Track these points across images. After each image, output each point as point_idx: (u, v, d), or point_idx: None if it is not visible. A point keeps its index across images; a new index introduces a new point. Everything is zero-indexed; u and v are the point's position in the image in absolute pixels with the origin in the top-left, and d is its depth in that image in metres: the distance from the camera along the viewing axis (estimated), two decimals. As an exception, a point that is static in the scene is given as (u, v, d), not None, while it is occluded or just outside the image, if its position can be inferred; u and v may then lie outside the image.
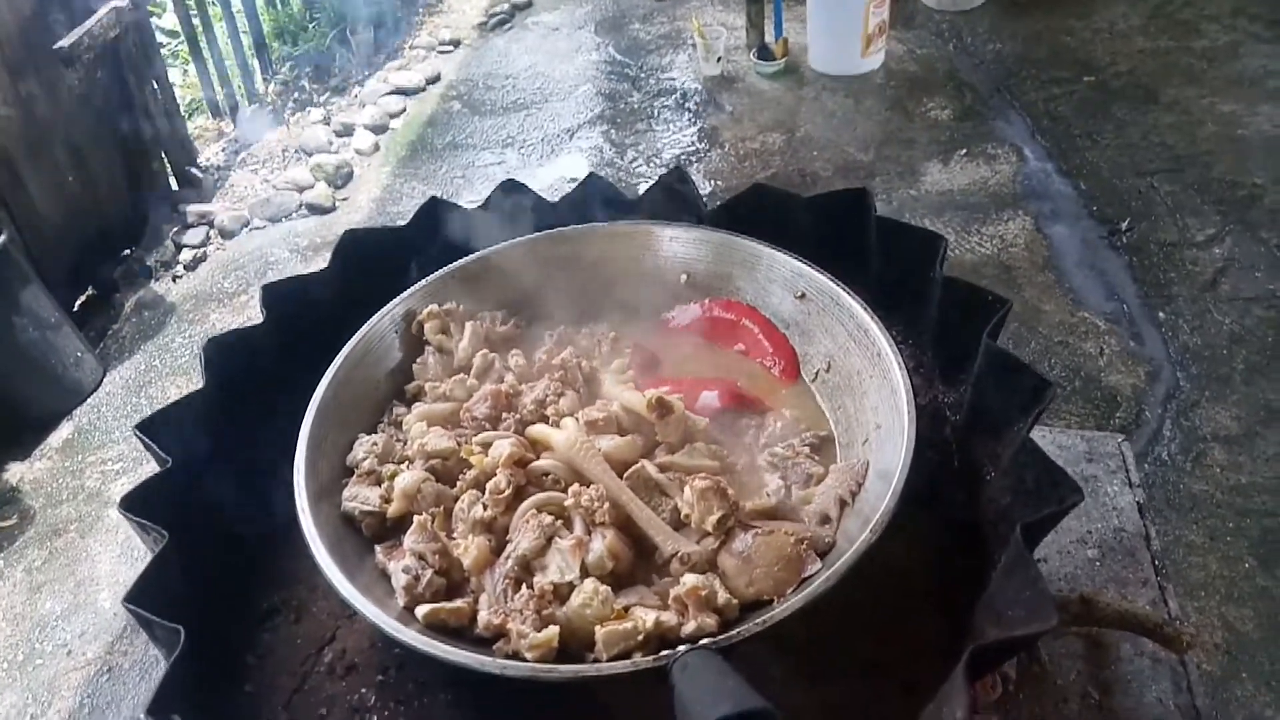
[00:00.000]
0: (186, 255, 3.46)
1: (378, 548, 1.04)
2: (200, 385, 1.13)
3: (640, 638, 0.88)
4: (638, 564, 1.01)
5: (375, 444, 1.12)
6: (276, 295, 1.25)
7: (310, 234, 3.53)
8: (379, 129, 4.10)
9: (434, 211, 1.39)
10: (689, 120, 3.91)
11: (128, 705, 1.20)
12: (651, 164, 3.67)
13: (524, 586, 0.95)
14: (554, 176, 3.64)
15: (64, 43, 3.00)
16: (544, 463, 1.06)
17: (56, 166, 3.07)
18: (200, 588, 0.95)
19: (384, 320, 1.23)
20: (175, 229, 3.55)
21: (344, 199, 3.73)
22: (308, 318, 1.25)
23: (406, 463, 1.10)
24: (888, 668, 0.96)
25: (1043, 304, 2.84)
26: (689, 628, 0.89)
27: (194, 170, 3.77)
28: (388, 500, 1.05)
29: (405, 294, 1.26)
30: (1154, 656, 1.14)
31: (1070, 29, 4.15)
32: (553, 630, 0.89)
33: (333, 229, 3.52)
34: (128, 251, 3.44)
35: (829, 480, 1.07)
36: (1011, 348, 2.59)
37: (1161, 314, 2.78)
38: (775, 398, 1.25)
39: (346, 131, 4.05)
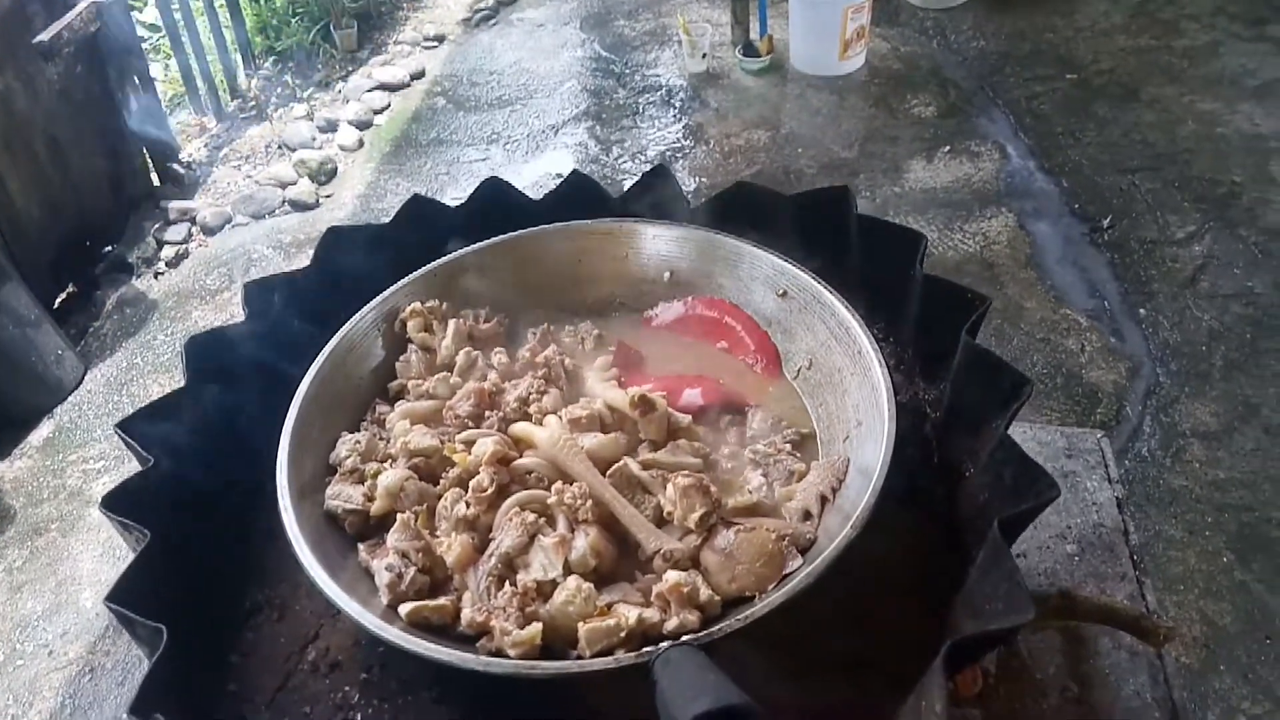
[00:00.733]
0: (168, 252, 3.44)
1: (361, 546, 1.04)
2: (182, 383, 1.12)
3: (623, 634, 0.89)
4: (620, 561, 1.01)
5: (358, 442, 1.12)
6: (259, 293, 1.24)
7: (294, 230, 3.52)
8: (363, 125, 4.08)
9: (417, 209, 1.39)
10: (674, 117, 3.91)
11: (110, 705, 1.19)
12: (636, 160, 3.67)
13: (507, 584, 0.95)
14: (539, 173, 3.64)
15: (43, 36, 2.97)
16: (527, 461, 1.06)
17: (36, 162, 3.05)
18: (183, 587, 0.95)
19: (366, 318, 1.23)
20: (157, 225, 3.52)
21: (328, 195, 3.71)
22: (290, 315, 1.25)
23: (389, 461, 1.10)
24: (868, 662, 0.97)
25: (1025, 301, 2.86)
26: (671, 624, 0.90)
27: (176, 166, 3.74)
28: (371, 498, 1.05)
29: (388, 292, 1.26)
30: (1132, 650, 1.15)
31: (1053, 27, 4.18)
32: (536, 628, 0.90)
33: (316, 225, 3.51)
34: (109, 248, 3.41)
35: (810, 477, 1.08)
36: (994, 344, 2.63)
37: (1142, 311, 2.80)
38: (757, 395, 1.25)
39: (330, 127, 4.04)
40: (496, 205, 1.42)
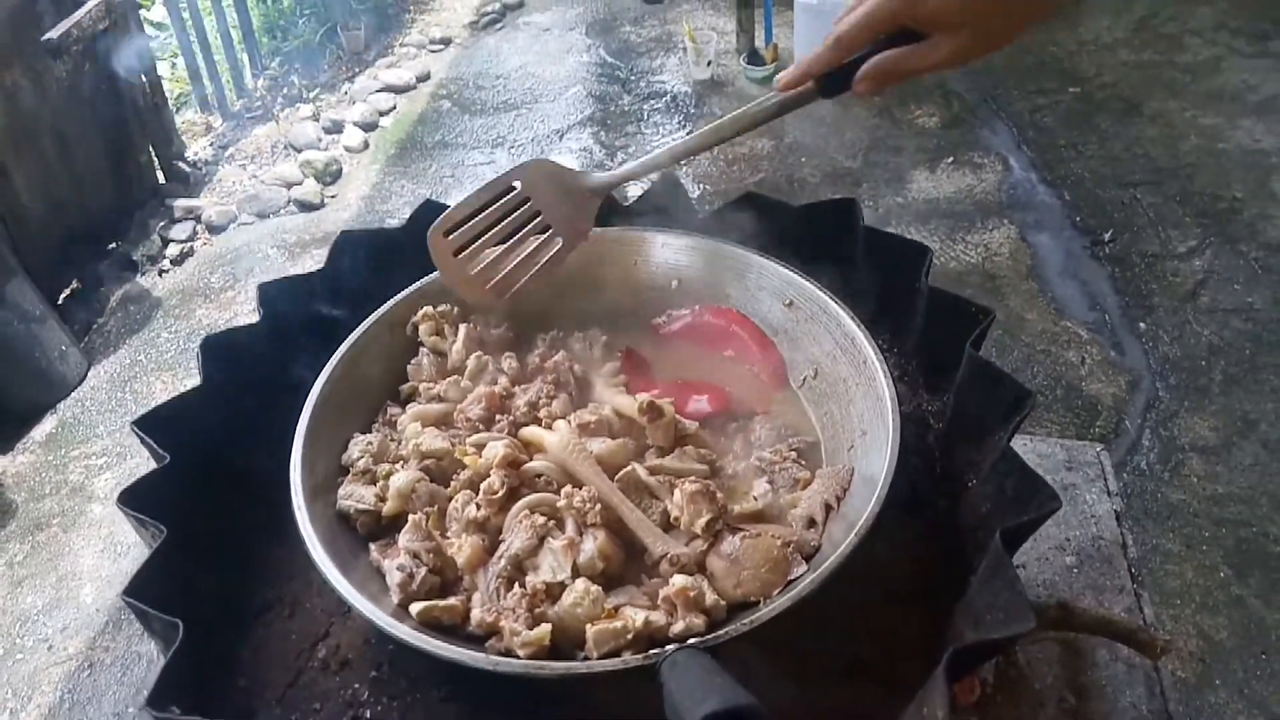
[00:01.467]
0: (173, 250, 3.45)
1: (372, 546, 1.05)
2: (197, 382, 1.13)
3: (629, 636, 0.90)
4: (627, 565, 1.02)
5: (370, 443, 1.13)
6: (273, 294, 1.26)
7: (298, 230, 3.53)
8: (369, 126, 4.10)
9: (428, 213, 1.40)
10: (679, 123, 3.93)
11: (109, 701, 1.20)
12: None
13: (516, 585, 0.96)
14: (543, 177, 3.65)
15: (52, 34, 2.99)
16: (536, 464, 1.08)
17: (43, 158, 3.06)
18: (196, 583, 0.97)
19: (379, 321, 1.24)
20: (162, 223, 3.54)
21: (333, 196, 3.73)
22: (303, 316, 1.26)
23: (401, 462, 1.11)
24: (870, 668, 0.99)
25: (1026, 313, 2.88)
26: (677, 627, 0.91)
27: (181, 164, 3.76)
28: (383, 499, 1.06)
29: (399, 295, 1.28)
30: (1129, 662, 1.16)
31: (1057, 40, 4.20)
32: (545, 628, 0.91)
33: (321, 226, 3.52)
34: (114, 245, 3.43)
35: (815, 485, 1.09)
36: (995, 356, 2.65)
37: (1142, 324, 2.82)
38: (763, 403, 1.26)
39: (336, 128, 4.05)
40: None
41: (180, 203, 3.60)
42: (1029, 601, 0.82)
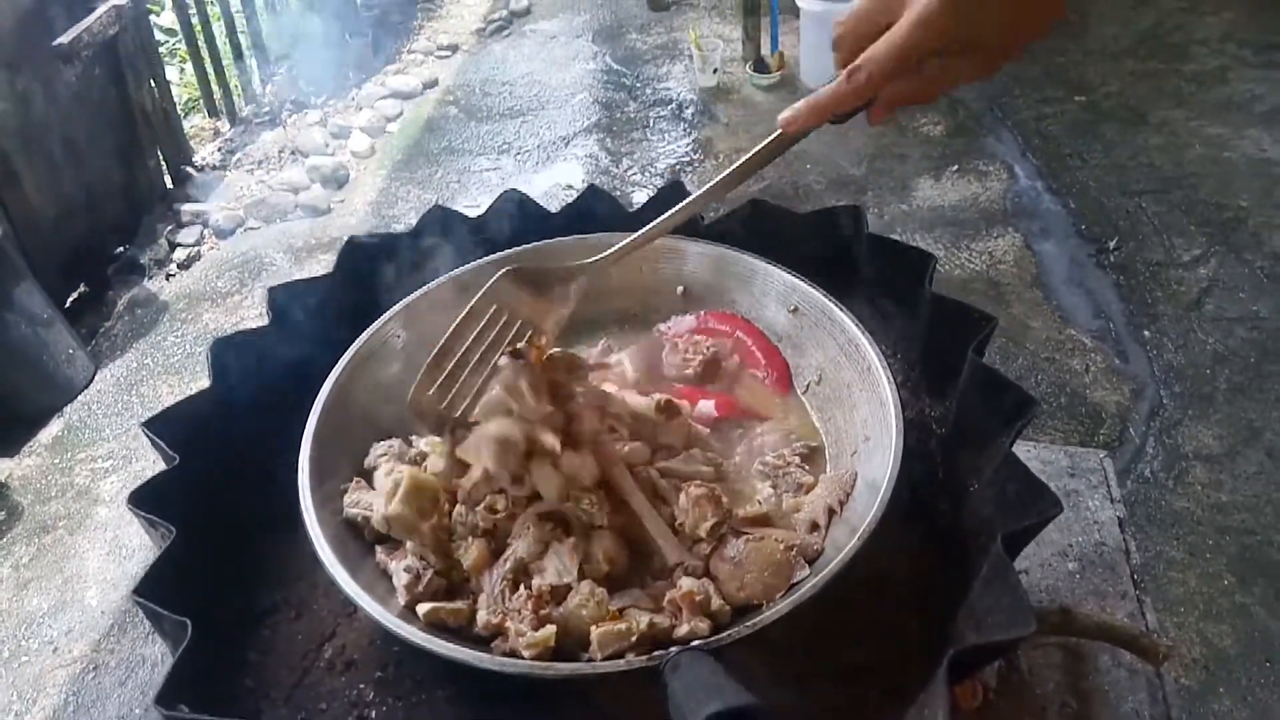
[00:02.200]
0: (180, 254, 3.47)
1: (379, 548, 1.06)
2: (207, 385, 1.14)
3: (634, 639, 0.91)
4: (632, 567, 1.03)
5: (390, 446, 1.15)
6: (282, 297, 1.27)
7: (305, 235, 3.55)
8: (375, 132, 4.12)
9: (436, 219, 1.41)
10: (684, 130, 3.95)
11: (113, 703, 1.21)
12: (646, 173, 3.70)
13: (522, 587, 0.97)
14: (549, 183, 3.67)
15: (63, 39, 3.01)
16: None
17: (52, 163, 3.08)
18: (204, 584, 0.97)
19: (386, 324, 1.25)
20: (170, 228, 3.56)
21: (339, 201, 3.74)
22: (312, 320, 1.27)
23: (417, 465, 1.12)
24: (872, 672, 0.99)
25: (1030, 320, 2.88)
26: (682, 630, 0.92)
27: (190, 170, 3.78)
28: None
29: (408, 299, 1.29)
30: (1131, 668, 1.16)
31: (1063, 49, 4.21)
32: (550, 630, 0.92)
33: (328, 231, 3.54)
34: (121, 249, 3.45)
35: (818, 490, 1.10)
36: (999, 363, 2.65)
37: (1147, 333, 2.82)
38: (767, 408, 1.27)
39: (343, 134, 4.08)
40: (513, 216, 1.44)
41: (188, 207, 3.62)
42: (1030, 605, 0.82)
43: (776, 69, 4.13)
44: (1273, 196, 3.27)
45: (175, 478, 1.02)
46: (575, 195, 1.48)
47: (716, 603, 0.95)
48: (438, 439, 1.14)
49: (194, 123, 4.13)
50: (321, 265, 3.21)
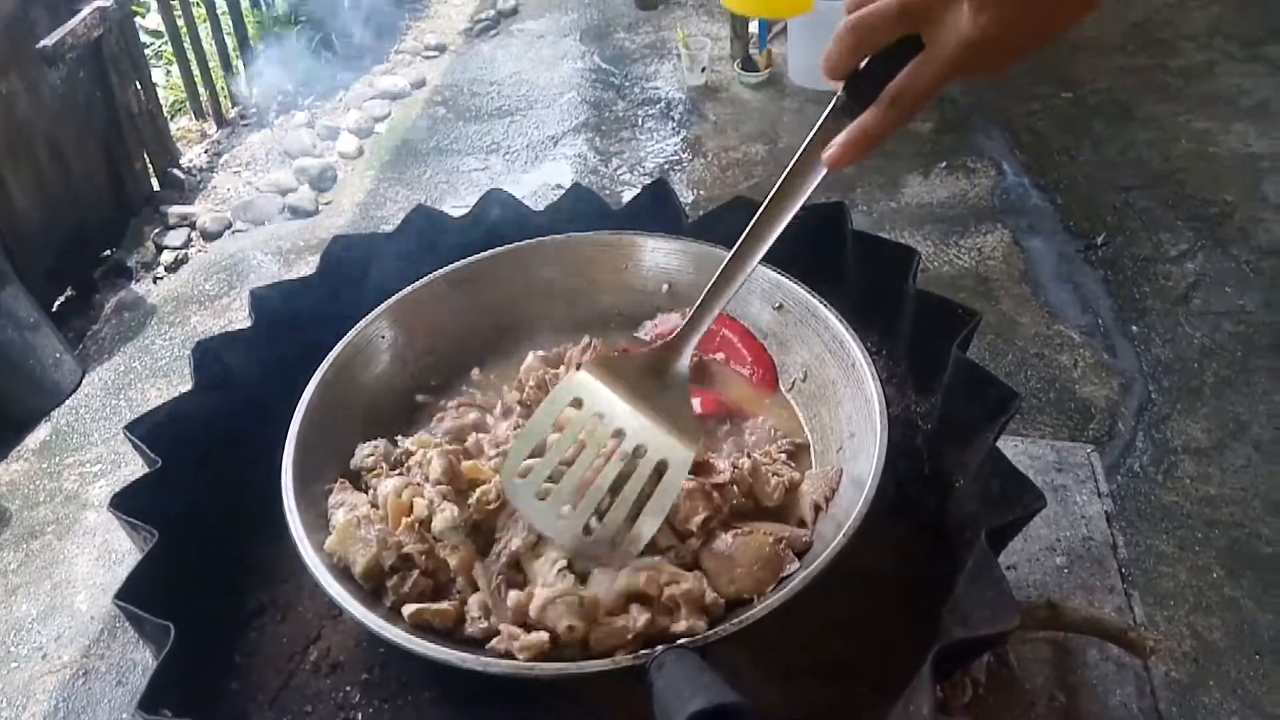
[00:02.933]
0: (167, 257, 3.46)
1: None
2: (189, 387, 1.14)
3: (630, 636, 0.91)
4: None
5: (376, 446, 1.14)
6: (265, 299, 1.26)
7: (293, 237, 3.54)
8: (363, 133, 4.11)
9: (420, 218, 1.41)
10: (672, 129, 3.94)
11: (104, 709, 1.20)
12: (635, 172, 3.70)
13: (511, 591, 0.96)
14: (538, 183, 3.67)
15: (47, 41, 3.00)
16: None
17: (37, 166, 3.07)
18: (188, 587, 0.97)
19: (370, 325, 1.25)
20: (156, 230, 3.55)
21: (327, 202, 3.73)
22: (296, 321, 1.26)
23: (400, 468, 1.12)
24: (858, 668, 0.99)
25: (1019, 316, 2.89)
26: (679, 626, 0.92)
27: (176, 171, 3.77)
28: (375, 505, 1.06)
29: (392, 299, 1.28)
30: (1119, 662, 1.17)
31: (1051, 45, 4.21)
32: (542, 636, 0.91)
33: (316, 232, 3.53)
34: (108, 252, 3.43)
35: (804, 486, 1.10)
36: (988, 359, 2.66)
37: (1135, 327, 2.83)
38: (753, 406, 1.27)
39: (330, 135, 4.06)
40: (499, 216, 1.44)
41: (175, 210, 3.60)
42: (1014, 599, 0.83)
43: (765, 67, 4.13)
44: (1259, 191, 3.29)
45: (158, 481, 1.02)
46: (560, 196, 1.48)
47: (711, 597, 0.95)
48: (426, 437, 1.14)
49: (180, 125, 4.11)
50: (310, 267, 3.18)
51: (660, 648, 0.87)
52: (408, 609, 0.96)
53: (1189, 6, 4.39)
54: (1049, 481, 1.40)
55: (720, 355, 1.32)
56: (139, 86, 3.52)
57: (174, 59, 3.99)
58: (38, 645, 2.23)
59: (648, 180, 3.53)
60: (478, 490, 1.04)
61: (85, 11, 3.14)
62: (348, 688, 1.00)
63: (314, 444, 1.11)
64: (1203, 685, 1.98)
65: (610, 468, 0.97)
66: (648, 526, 0.96)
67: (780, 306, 1.28)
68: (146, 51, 3.70)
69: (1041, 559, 1.31)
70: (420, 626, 0.95)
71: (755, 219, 0.99)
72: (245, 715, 0.97)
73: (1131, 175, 3.43)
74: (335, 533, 1.00)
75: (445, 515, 0.99)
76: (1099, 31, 4.29)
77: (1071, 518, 1.36)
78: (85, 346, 3.13)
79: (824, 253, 1.34)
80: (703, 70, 4.16)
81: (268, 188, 3.75)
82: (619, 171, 3.71)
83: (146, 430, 1.06)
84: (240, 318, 3.12)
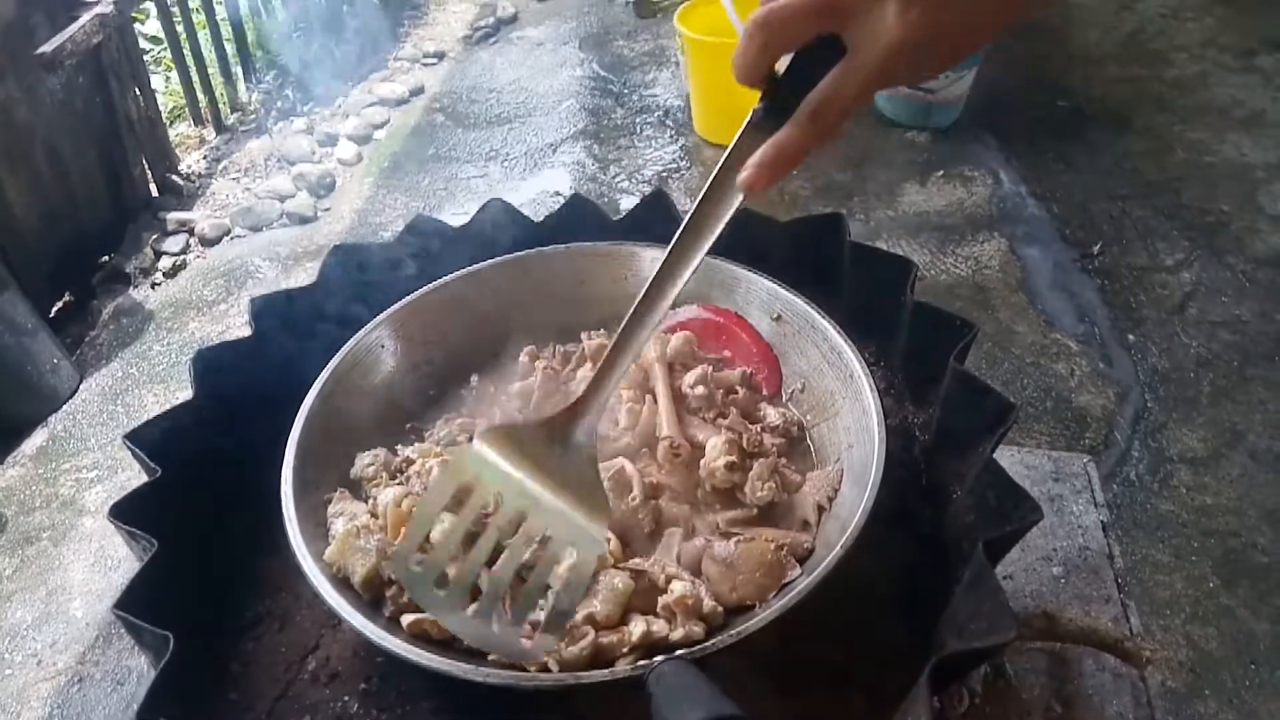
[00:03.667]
0: (166, 263, 3.45)
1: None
2: (189, 396, 1.14)
3: (626, 649, 0.91)
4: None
5: (376, 455, 1.15)
6: (264, 307, 1.26)
7: (292, 243, 3.54)
8: (362, 139, 4.11)
9: (420, 227, 1.41)
10: (671, 137, 3.95)
11: (98, 716, 1.20)
12: (633, 179, 3.71)
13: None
14: (536, 190, 3.67)
15: (46, 48, 3.00)
16: None
17: (36, 172, 3.07)
18: (187, 596, 0.97)
19: (370, 334, 1.25)
20: (155, 236, 3.54)
21: (326, 209, 3.73)
22: (296, 330, 1.27)
23: (400, 475, 1.12)
24: (855, 680, 0.99)
25: (1016, 325, 2.90)
26: (677, 634, 0.92)
27: (175, 178, 3.77)
28: (374, 515, 1.07)
29: (391, 309, 1.29)
30: (1115, 672, 1.17)
31: (1046, 55, 4.24)
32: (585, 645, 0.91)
33: (314, 239, 3.53)
34: (106, 258, 3.43)
35: (806, 488, 1.11)
36: (985, 368, 2.66)
37: (1131, 337, 2.84)
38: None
39: (329, 141, 4.07)
40: (498, 225, 1.44)
41: (173, 216, 3.60)
42: (1011, 611, 0.83)
43: (762, 75, 4.14)
44: (1254, 200, 3.30)
45: (157, 489, 1.02)
46: (562, 203, 1.49)
47: (709, 605, 0.95)
48: (427, 446, 1.14)
49: (179, 131, 4.11)
50: (308, 273, 3.20)
51: (659, 658, 0.87)
52: (406, 618, 0.96)
53: (1182, 17, 4.41)
54: (1045, 491, 1.41)
55: (727, 353, 1.32)
56: (138, 93, 3.52)
57: (173, 65, 3.98)
58: (32, 652, 2.22)
59: (646, 188, 3.55)
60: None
61: (85, 18, 3.14)
62: (346, 697, 1.00)
63: (314, 453, 1.11)
64: (1199, 695, 1.99)
65: (512, 554, 0.88)
66: (556, 626, 0.87)
67: (779, 317, 1.29)
68: (146, 58, 3.70)
69: (1038, 569, 1.32)
70: (419, 636, 0.95)
71: (666, 256, 0.89)
72: (243, 725, 0.98)
73: (1128, 185, 3.44)
74: (335, 542, 1.00)
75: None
76: (1093, 42, 4.30)
77: (1068, 527, 1.37)
78: (83, 352, 3.12)
79: (822, 263, 1.35)
80: (701, 78, 4.17)
81: (266, 194, 3.75)
82: (617, 179, 3.71)
83: (146, 439, 1.06)
84: (239, 324, 3.12)
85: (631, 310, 0.90)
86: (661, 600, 0.95)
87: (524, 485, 0.89)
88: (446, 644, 0.96)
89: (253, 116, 4.21)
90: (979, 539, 0.89)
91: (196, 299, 3.31)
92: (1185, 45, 4.21)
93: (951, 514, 1.09)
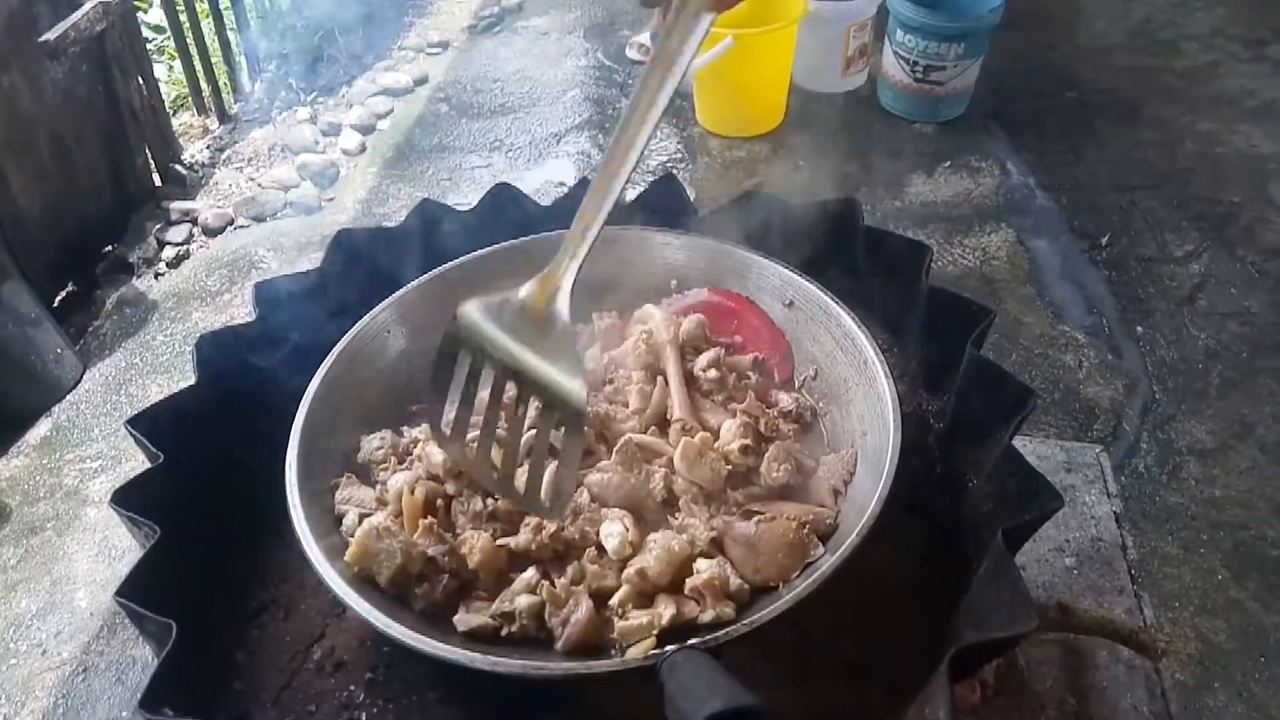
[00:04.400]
0: (169, 253, 3.44)
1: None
2: (192, 381, 1.13)
3: (655, 632, 0.90)
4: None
5: (384, 438, 1.13)
6: (269, 292, 1.25)
7: (295, 233, 3.52)
8: (366, 129, 4.09)
9: (426, 213, 1.40)
10: (675, 128, 3.93)
11: (103, 705, 1.19)
12: (639, 169, 3.68)
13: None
14: (541, 180, 3.65)
15: (49, 36, 2.98)
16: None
17: (39, 161, 3.05)
18: (190, 584, 0.96)
19: (376, 319, 1.24)
20: (158, 226, 3.53)
21: (330, 199, 3.72)
22: (300, 315, 1.25)
23: (409, 457, 1.10)
24: (872, 670, 0.98)
25: (1024, 316, 2.88)
26: (707, 616, 0.90)
27: (178, 167, 3.75)
28: (383, 501, 1.05)
29: (397, 294, 1.27)
30: (1129, 664, 1.16)
31: (1054, 45, 4.21)
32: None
33: (318, 229, 3.51)
34: (110, 248, 3.41)
35: (820, 472, 1.09)
36: (993, 359, 2.64)
37: (1139, 328, 2.82)
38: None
39: (333, 131, 4.04)
40: (505, 210, 1.43)
41: (177, 205, 3.58)
42: (1031, 601, 0.81)
43: (768, 65, 4.11)
44: (1264, 192, 3.27)
45: (160, 476, 1.00)
46: (566, 192, 1.47)
47: (735, 583, 0.94)
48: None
49: (182, 120, 4.09)
50: (312, 263, 3.14)
51: (670, 647, 0.85)
52: (464, 621, 0.94)
53: (1191, 6, 4.38)
54: (1058, 482, 1.39)
55: (738, 339, 1.31)
56: (141, 82, 3.50)
57: (176, 54, 3.96)
58: (37, 641, 2.21)
59: (651, 178, 3.52)
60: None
61: (88, 6, 3.12)
62: (352, 687, 0.99)
63: (319, 438, 1.09)
64: (1208, 688, 1.97)
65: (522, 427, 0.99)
66: (568, 487, 0.98)
67: (791, 303, 1.27)
68: (149, 47, 3.68)
69: (1051, 560, 1.30)
70: (474, 636, 0.94)
71: (636, 91, 0.92)
72: (248, 715, 0.96)
73: (1136, 175, 3.42)
74: (354, 545, 0.97)
75: (470, 508, 0.98)
76: (1101, 32, 4.27)
77: (1081, 519, 1.36)
78: (86, 342, 3.11)
79: (835, 248, 1.33)
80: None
81: (270, 184, 3.73)
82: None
83: (148, 425, 1.05)
84: (242, 314, 3.11)
85: (608, 154, 0.97)
86: (690, 583, 0.93)
87: (508, 348, 0.99)
88: (498, 640, 0.94)
89: (256, 106, 4.19)
90: (998, 527, 0.88)
91: (200, 289, 3.30)
92: (1195, 35, 4.17)
93: (969, 502, 1.07)
